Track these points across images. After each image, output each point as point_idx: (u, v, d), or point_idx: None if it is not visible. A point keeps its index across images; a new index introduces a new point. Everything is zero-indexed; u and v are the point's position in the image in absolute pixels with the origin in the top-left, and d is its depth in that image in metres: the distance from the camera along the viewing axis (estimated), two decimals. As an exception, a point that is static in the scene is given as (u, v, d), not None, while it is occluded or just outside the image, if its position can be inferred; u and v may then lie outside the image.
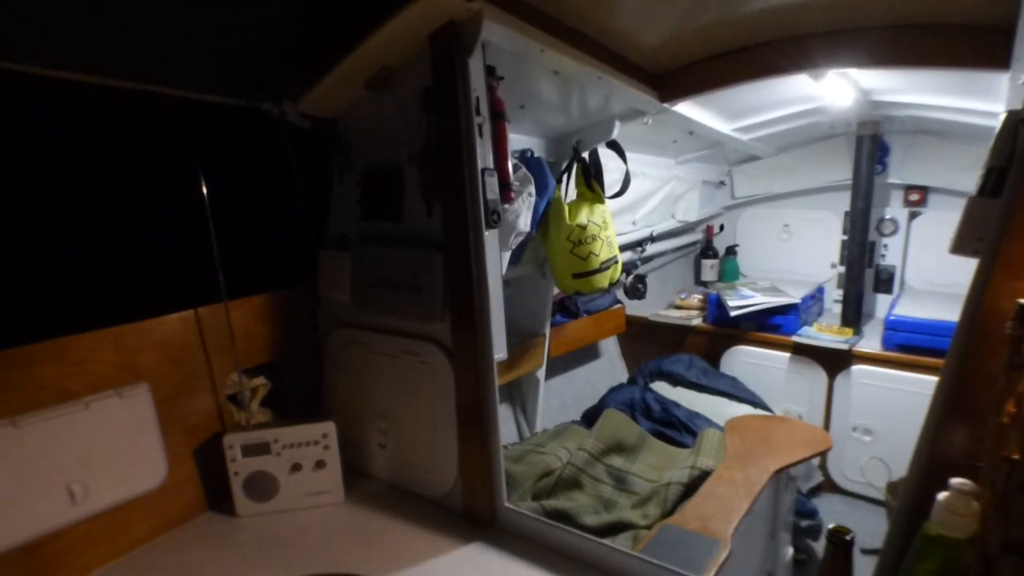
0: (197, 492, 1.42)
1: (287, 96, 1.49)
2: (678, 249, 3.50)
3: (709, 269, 3.66)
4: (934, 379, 0.88)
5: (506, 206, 1.52)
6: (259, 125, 1.53)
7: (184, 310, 1.41)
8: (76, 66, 1.19)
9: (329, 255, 1.61)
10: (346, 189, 1.59)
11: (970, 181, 0.91)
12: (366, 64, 1.35)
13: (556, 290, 2.32)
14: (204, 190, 1.38)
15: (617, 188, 2.13)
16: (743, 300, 3.02)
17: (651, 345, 3.25)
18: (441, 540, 1.30)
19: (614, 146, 2.06)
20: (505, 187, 1.43)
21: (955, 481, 0.76)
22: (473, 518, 1.37)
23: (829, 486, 2.95)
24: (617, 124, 1.97)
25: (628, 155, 2.10)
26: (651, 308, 3.37)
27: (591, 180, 2.03)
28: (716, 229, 3.68)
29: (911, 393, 2.57)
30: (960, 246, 0.88)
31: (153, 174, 1.51)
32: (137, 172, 1.50)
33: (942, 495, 0.77)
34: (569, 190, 2.07)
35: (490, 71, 1.35)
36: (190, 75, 1.37)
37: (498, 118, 1.39)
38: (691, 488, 1.71)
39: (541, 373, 2.39)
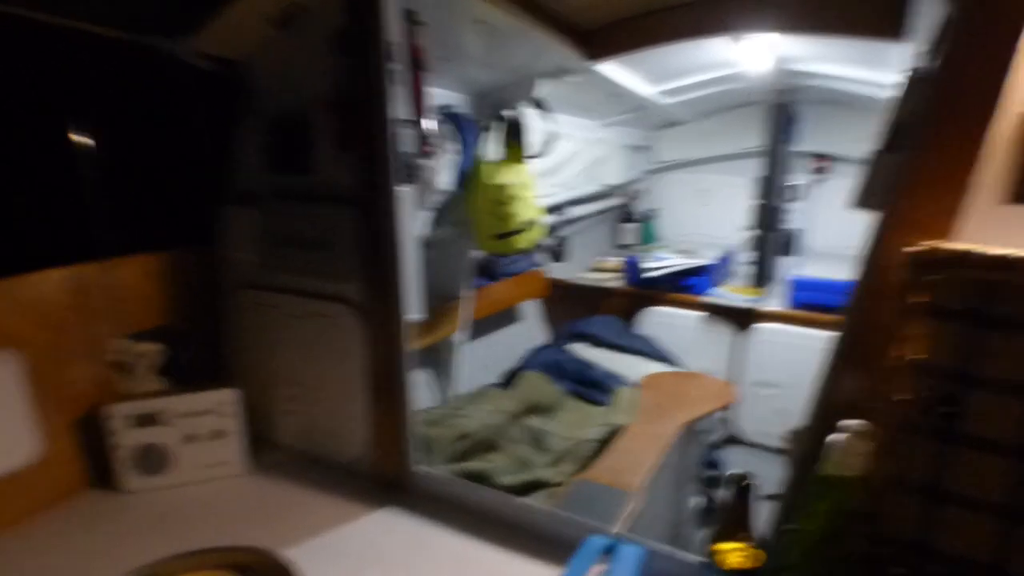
0: (78, 468, 1.31)
1: (181, 31, 1.34)
2: (600, 212, 3.53)
3: (629, 233, 3.72)
4: (832, 335, 0.92)
5: (424, 161, 1.45)
6: (151, 63, 1.38)
7: (61, 267, 1.26)
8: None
9: (233, 211, 1.50)
10: (251, 138, 1.47)
11: (869, 151, 0.95)
12: (271, -2, 1.24)
13: (477, 252, 2.28)
14: (82, 136, 1.24)
15: (541, 148, 2.10)
16: (658, 262, 3.11)
17: (571, 307, 3.28)
18: (351, 506, 1.27)
19: (539, 105, 2.02)
20: (423, 141, 1.37)
21: (848, 423, 0.80)
22: (385, 482, 1.34)
23: (734, 438, 3.12)
24: (543, 82, 1.93)
25: (553, 116, 2.06)
26: (572, 271, 3.40)
27: (514, 139, 1.99)
28: (637, 193, 3.73)
29: (811, 349, 2.70)
30: (861, 200, 0.91)
31: (23, 114, 1.33)
32: (2, 111, 1.32)
33: (836, 436, 0.81)
34: (492, 149, 2.02)
35: (410, 16, 1.27)
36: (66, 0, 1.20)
37: (417, 67, 1.31)
38: (606, 444, 1.75)
39: (461, 336, 2.37)
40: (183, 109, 1.45)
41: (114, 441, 1.28)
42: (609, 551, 1.01)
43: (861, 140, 3.03)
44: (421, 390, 2.35)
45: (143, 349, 1.38)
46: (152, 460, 1.31)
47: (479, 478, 1.61)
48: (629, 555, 1.00)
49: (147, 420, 1.29)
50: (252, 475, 1.39)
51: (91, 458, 1.32)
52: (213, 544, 1.12)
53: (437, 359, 2.42)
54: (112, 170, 1.29)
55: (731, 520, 0.87)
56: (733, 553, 0.85)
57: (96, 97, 1.33)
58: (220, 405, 1.34)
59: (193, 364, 1.52)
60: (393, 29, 1.18)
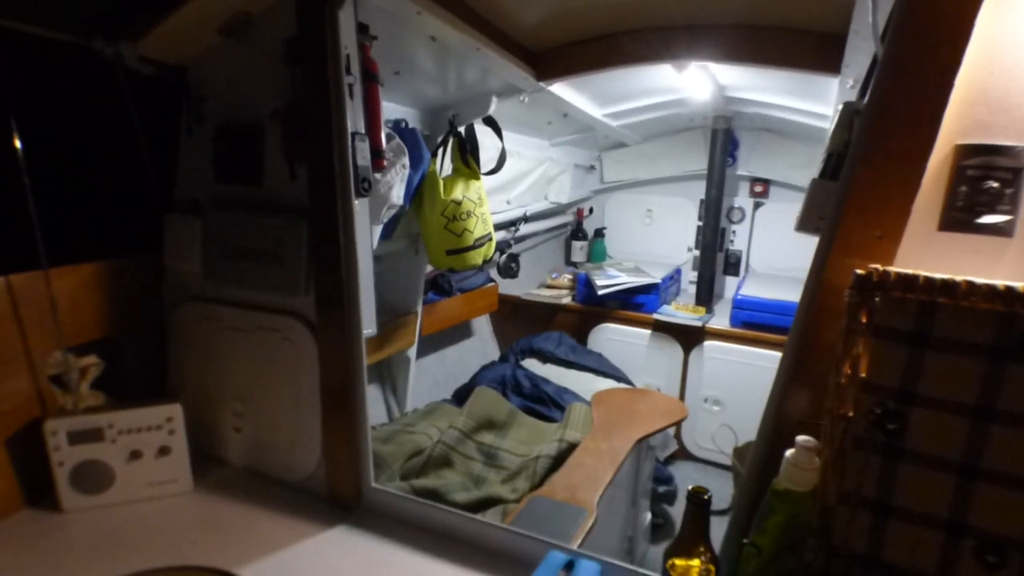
0: (11, 487, 1.22)
1: (124, 35, 1.30)
2: (550, 230, 3.59)
3: (579, 250, 3.80)
4: (775, 353, 0.96)
5: (377, 175, 1.45)
6: (91, 67, 1.33)
7: (-6, 277, 1.20)
8: None
9: (177, 220, 1.44)
10: (197, 147, 1.43)
11: (805, 177, 1.02)
12: (219, 6, 1.22)
13: (429, 267, 2.28)
14: (17, 141, 1.18)
15: (493, 165, 2.12)
16: (610, 280, 3.17)
17: (522, 323, 3.32)
18: (303, 525, 1.23)
19: (491, 122, 2.05)
20: (377, 154, 1.37)
21: (800, 438, 0.83)
22: (338, 501, 1.31)
23: (683, 453, 3.20)
24: (494, 100, 1.96)
25: (504, 134, 2.09)
26: (523, 287, 3.43)
27: (467, 155, 2.01)
28: (586, 212, 3.82)
29: (755, 366, 2.84)
30: (803, 224, 0.97)
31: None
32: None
33: (789, 452, 0.85)
34: (444, 165, 2.03)
35: (363, 29, 1.27)
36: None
37: (371, 80, 1.31)
38: (559, 460, 1.77)
39: (412, 352, 2.35)
40: (125, 115, 1.40)
41: (53, 458, 1.21)
42: (568, 567, 1.02)
43: (798, 167, 3.22)
44: (373, 406, 2.32)
45: (83, 362, 1.31)
46: (93, 477, 1.24)
47: (432, 495, 1.59)
48: (588, 570, 1.01)
49: (88, 436, 1.22)
50: (199, 493, 1.32)
51: (28, 475, 1.24)
52: (159, 565, 1.07)
53: (389, 375, 2.40)
54: (49, 176, 1.23)
55: (689, 535, 0.87)
56: (691, 568, 0.87)
57: (33, 100, 1.26)
58: (165, 420, 1.28)
59: (136, 378, 1.45)
60: (348, 41, 1.18)
